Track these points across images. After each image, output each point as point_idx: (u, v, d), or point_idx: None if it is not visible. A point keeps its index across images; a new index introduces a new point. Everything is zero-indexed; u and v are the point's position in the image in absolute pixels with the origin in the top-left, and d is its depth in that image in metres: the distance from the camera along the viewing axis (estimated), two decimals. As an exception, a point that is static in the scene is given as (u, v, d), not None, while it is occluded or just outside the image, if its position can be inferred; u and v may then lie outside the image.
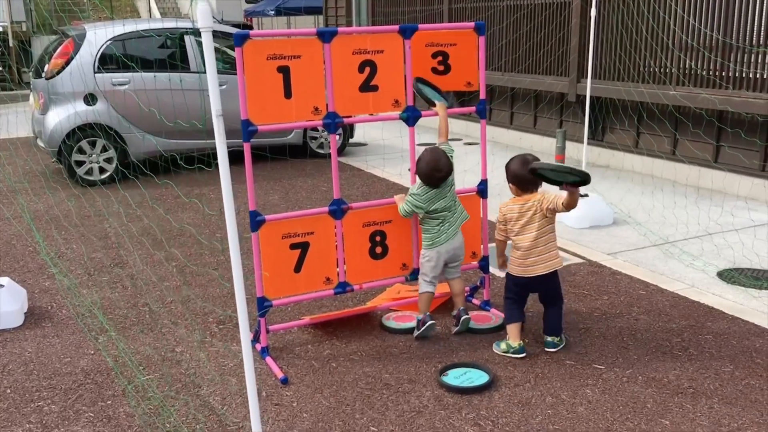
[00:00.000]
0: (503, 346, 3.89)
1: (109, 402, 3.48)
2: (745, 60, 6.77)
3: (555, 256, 3.85)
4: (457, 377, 3.61)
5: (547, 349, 3.91)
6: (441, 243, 4.00)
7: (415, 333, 4.07)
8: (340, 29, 3.92)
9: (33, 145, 9.47)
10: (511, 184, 3.92)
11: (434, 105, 4.16)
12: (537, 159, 3.86)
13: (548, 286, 3.91)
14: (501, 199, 6.93)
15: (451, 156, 4.01)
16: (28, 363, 3.90)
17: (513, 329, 3.88)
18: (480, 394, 3.48)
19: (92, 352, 4.01)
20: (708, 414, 3.29)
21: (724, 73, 6.92)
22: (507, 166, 3.93)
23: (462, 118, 11.08)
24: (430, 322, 4.02)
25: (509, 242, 3.96)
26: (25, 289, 4.70)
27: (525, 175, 3.83)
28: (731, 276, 4.95)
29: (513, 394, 3.48)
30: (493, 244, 4.19)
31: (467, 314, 4.12)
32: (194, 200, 7.05)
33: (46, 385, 3.65)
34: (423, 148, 4.01)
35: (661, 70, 7.57)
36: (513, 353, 3.84)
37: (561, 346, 3.92)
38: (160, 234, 6.02)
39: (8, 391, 3.61)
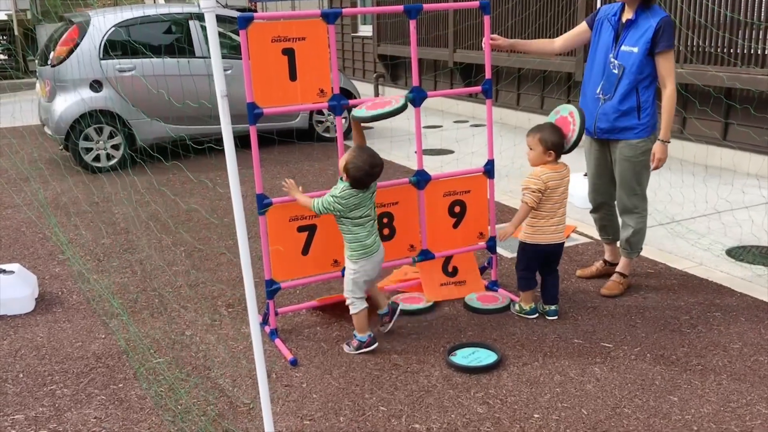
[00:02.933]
0: (518, 307, 4.12)
1: (120, 385, 3.52)
2: (753, 36, 6.70)
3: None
4: (466, 357, 3.63)
5: (549, 318, 4.05)
6: (374, 252, 3.72)
7: (349, 349, 3.76)
8: (344, 10, 3.91)
9: (40, 133, 9.51)
10: (549, 151, 3.90)
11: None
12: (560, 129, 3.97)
13: (558, 254, 4.08)
14: (508, 180, 6.98)
15: None
16: (40, 348, 3.94)
17: (529, 295, 4.10)
18: (488, 373, 3.50)
19: (103, 336, 4.05)
20: (716, 390, 3.30)
21: (732, 50, 6.86)
22: (541, 136, 3.91)
23: (468, 100, 11.04)
24: (398, 307, 3.98)
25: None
26: (36, 275, 4.74)
27: (564, 144, 3.90)
28: (739, 254, 4.94)
29: (521, 373, 3.50)
30: (502, 225, 4.20)
31: (398, 304, 4.02)
32: (205, 181, 7.07)
33: (58, 369, 3.69)
34: (350, 148, 3.70)
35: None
36: (526, 314, 4.08)
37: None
38: (168, 219, 6.04)
39: (21, 375, 3.65)
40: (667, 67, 3.97)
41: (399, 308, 4.00)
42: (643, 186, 4.25)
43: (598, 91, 4.18)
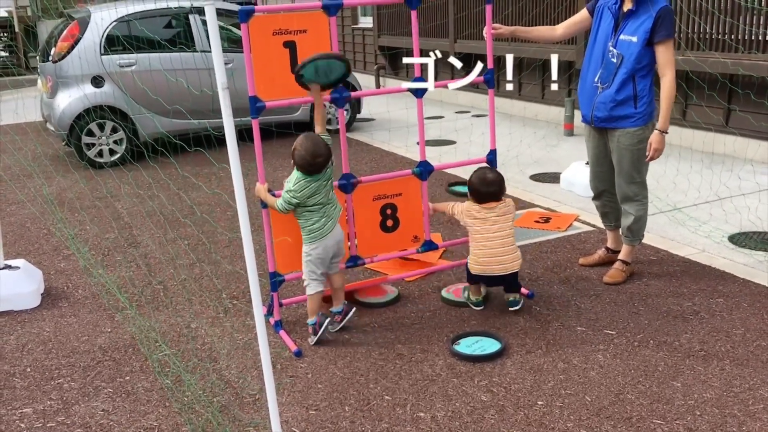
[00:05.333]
0: (466, 294, 4.18)
1: (127, 378, 3.55)
2: (755, 21, 6.68)
3: None
4: (469, 346, 3.65)
5: (511, 309, 4.04)
6: (325, 234, 3.71)
7: (312, 340, 3.77)
8: (345, 1, 3.90)
9: (42, 129, 9.53)
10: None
11: (308, 89, 3.72)
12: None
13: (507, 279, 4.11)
14: (506, 168, 6.99)
15: (330, 144, 3.70)
16: (47, 342, 3.97)
17: (476, 288, 4.14)
18: (492, 361, 3.52)
19: (109, 330, 4.08)
20: (719, 375, 3.32)
21: (734, 35, 6.84)
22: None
23: (469, 90, 11.03)
24: (326, 321, 3.78)
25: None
26: (41, 270, 4.77)
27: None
28: (742, 240, 4.94)
29: (525, 361, 3.52)
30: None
31: (353, 307, 3.98)
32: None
33: (65, 363, 3.72)
34: (301, 136, 3.67)
35: (675, 33, 7.48)
36: (473, 304, 4.13)
37: (521, 304, 4.05)
38: (173, 213, 6.06)
39: (28, 369, 3.68)
40: (666, 56, 3.97)
41: (352, 312, 3.93)
42: (642, 174, 4.26)
43: (596, 80, 4.17)
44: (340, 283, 3.94)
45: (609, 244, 4.64)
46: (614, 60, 4.07)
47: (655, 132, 4.02)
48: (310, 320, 3.79)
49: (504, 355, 3.58)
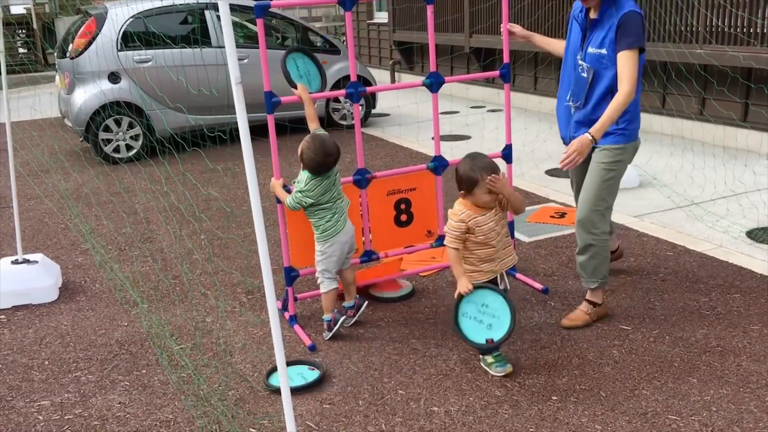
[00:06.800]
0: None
1: (143, 371, 3.58)
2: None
3: None
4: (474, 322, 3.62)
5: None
6: (339, 231, 3.71)
7: (327, 335, 3.78)
8: (358, -3, 3.89)
9: (59, 125, 9.61)
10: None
11: (295, 87, 3.75)
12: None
13: None
14: (521, 163, 6.96)
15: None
16: (65, 335, 4.01)
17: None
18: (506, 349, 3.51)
19: (126, 323, 4.11)
20: (736, 372, 3.29)
21: (751, 30, 6.76)
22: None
23: (483, 85, 11.00)
24: (342, 318, 3.78)
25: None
26: (59, 265, 4.82)
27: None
28: (759, 235, 4.90)
29: (539, 356, 3.51)
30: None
31: (365, 300, 3.97)
32: (218, 169, 7.12)
33: (82, 356, 3.76)
34: (306, 138, 3.67)
35: (687, 28, 7.41)
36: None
37: None
38: (188, 208, 6.10)
39: (46, 362, 3.72)
40: (626, 66, 3.42)
41: (365, 305, 3.94)
42: (609, 202, 3.71)
43: (568, 98, 3.80)
44: (352, 278, 3.93)
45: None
46: (585, 75, 3.64)
47: (581, 135, 3.44)
48: (326, 317, 3.80)
49: (518, 351, 3.57)
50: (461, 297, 3.32)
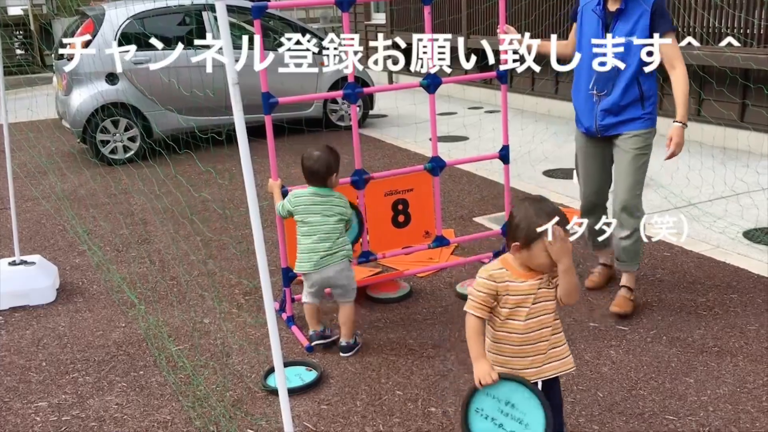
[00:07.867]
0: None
1: (141, 372, 3.57)
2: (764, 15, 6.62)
3: None
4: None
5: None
6: (315, 269, 3.57)
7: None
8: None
9: (56, 126, 9.60)
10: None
11: None
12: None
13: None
14: (518, 164, 6.97)
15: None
16: (62, 337, 4.00)
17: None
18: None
19: (123, 325, 4.11)
20: (733, 372, 3.30)
21: (748, 30, 6.78)
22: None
23: (479, 86, 11.00)
24: (315, 342, 3.67)
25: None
26: (56, 266, 4.81)
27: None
28: (757, 236, 4.91)
29: (537, 357, 3.51)
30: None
31: (359, 344, 3.70)
32: (214, 171, 7.12)
33: (80, 358, 3.75)
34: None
35: (684, 29, 7.43)
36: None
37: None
38: (185, 209, 6.09)
39: (44, 364, 3.72)
40: (672, 48, 3.65)
41: (357, 348, 3.66)
42: (642, 186, 3.89)
43: (591, 87, 3.86)
44: (344, 317, 3.62)
45: (603, 260, 4.31)
46: (609, 64, 3.70)
47: (675, 125, 3.67)
48: (310, 331, 3.72)
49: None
50: (475, 388, 2.43)
